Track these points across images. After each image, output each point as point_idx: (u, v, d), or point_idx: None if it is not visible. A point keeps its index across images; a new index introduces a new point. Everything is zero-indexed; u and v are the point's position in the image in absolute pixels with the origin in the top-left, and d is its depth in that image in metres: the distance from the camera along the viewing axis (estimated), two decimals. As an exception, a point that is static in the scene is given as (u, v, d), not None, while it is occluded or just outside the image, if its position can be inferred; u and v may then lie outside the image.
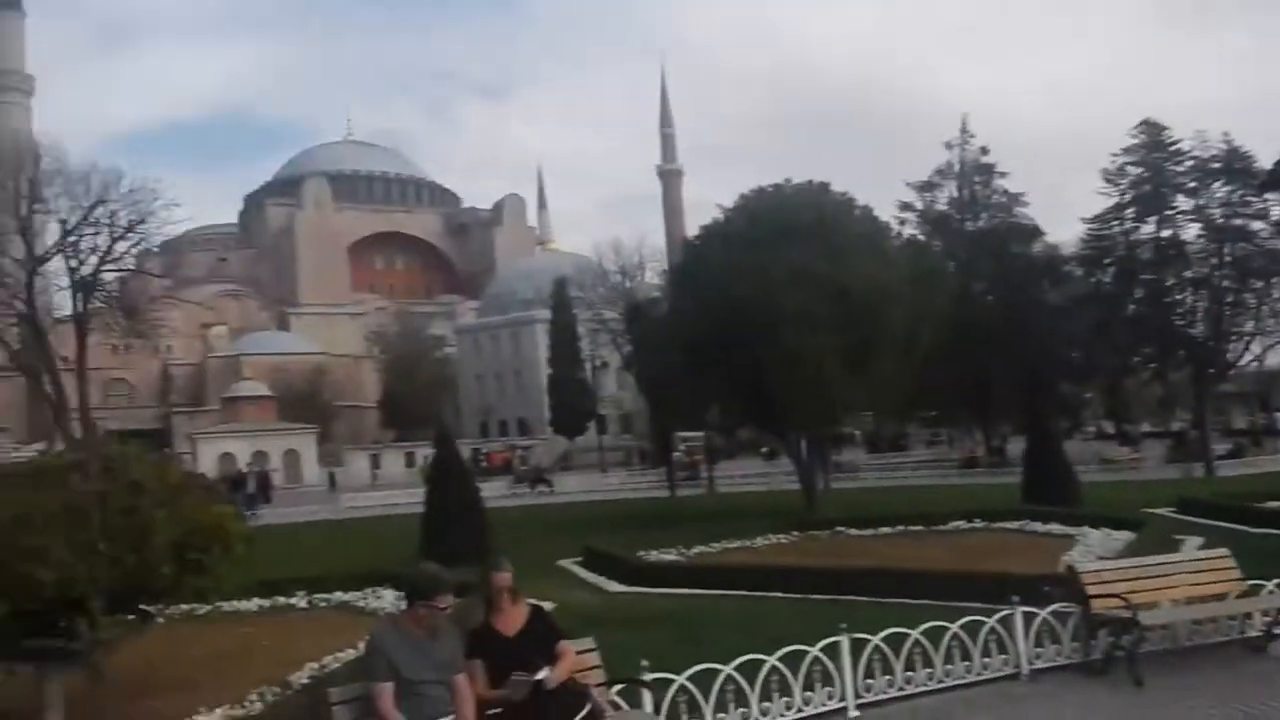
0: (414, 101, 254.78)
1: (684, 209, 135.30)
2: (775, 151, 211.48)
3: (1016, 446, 43.19)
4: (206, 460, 65.51)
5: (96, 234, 47.48)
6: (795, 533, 19.46)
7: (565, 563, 17.95)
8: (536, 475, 43.05)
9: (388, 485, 57.59)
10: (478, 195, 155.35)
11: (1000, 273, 42.43)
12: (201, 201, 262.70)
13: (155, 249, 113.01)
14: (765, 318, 22.28)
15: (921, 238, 42.64)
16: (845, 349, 22.56)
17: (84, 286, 46.94)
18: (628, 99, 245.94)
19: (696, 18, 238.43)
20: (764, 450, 51.99)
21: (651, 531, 21.32)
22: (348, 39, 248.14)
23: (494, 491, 40.21)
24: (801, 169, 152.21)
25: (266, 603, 14.20)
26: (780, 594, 12.94)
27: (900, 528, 19.34)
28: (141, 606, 8.87)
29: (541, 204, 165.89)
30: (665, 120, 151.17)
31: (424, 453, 69.74)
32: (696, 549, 18.02)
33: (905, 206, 45.69)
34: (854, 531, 19.26)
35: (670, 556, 17.25)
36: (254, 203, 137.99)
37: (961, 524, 19.26)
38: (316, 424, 78.07)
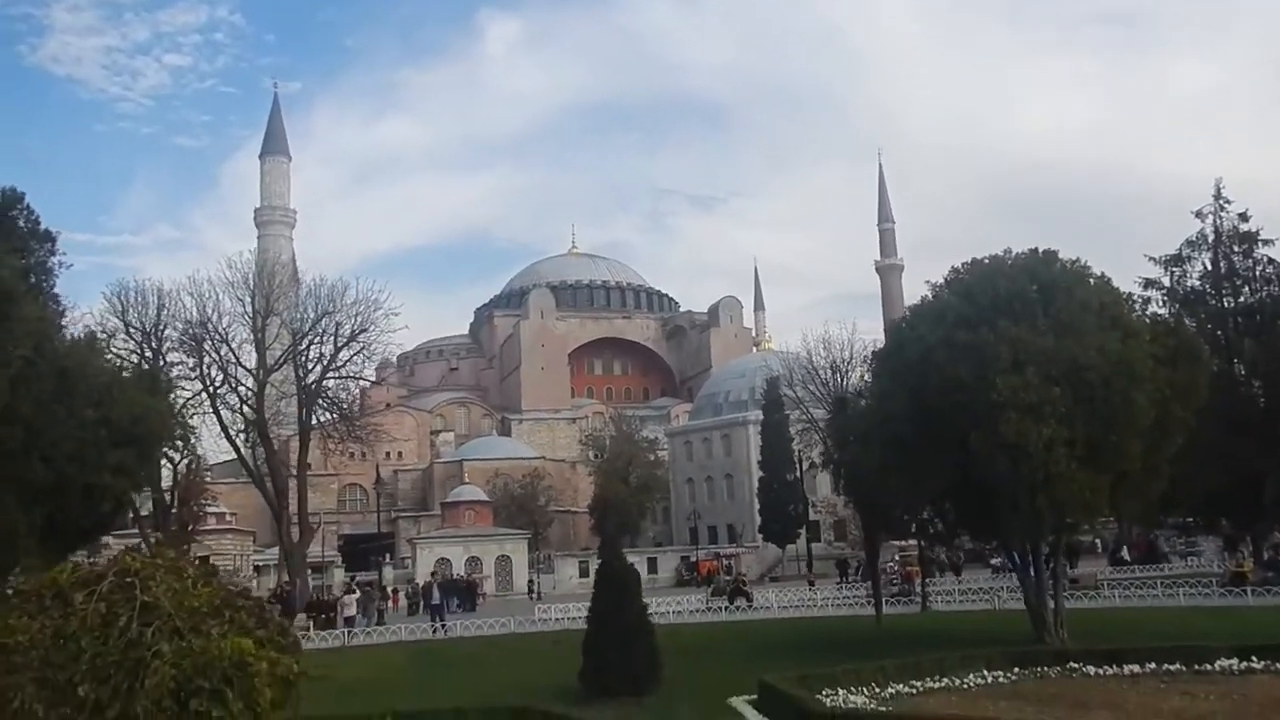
0: (634, 216, 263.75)
1: (904, 304, 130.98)
2: (999, 241, 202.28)
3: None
4: (424, 565, 66.71)
5: (322, 344, 50.15)
6: (1017, 670, 16.06)
7: (738, 701, 15.43)
8: (735, 588, 40.29)
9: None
10: (695, 299, 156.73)
11: (1269, 353, 36.58)
12: (440, 316, 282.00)
13: (392, 360, 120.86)
14: (981, 403, 19.34)
15: (1170, 318, 37.62)
16: (1079, 439, 19.25)
17: (308, 394, 49.39)
18: (845, 198, 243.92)
19: (911, 113, 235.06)
20: (994, 562, 46.87)
21: (846, 660, 18.45)
22: (574, 165, 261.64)
23: (689, 604, 38.01)
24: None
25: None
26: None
27: (1152, 665, 15.57)
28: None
29: (759, 305, 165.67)
30: (883, 215, 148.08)
31: (631, 559, 68.51)
32: (892, 689, 15.08)
33: (1150, 283, 40.68)
34: (1091, 670, 15.68)
35: (859, 699, 14.39)
36: (483, 314, 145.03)
37: (1234, 662, 15.30)
38: (532, 529, 78.54)
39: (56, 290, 23.83)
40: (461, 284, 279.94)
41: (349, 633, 33.67)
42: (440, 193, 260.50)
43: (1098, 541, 50.56)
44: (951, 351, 20.43)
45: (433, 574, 52.72)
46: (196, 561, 8.73)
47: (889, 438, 21.97)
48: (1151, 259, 41.26)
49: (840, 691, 14.77)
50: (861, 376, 45.39)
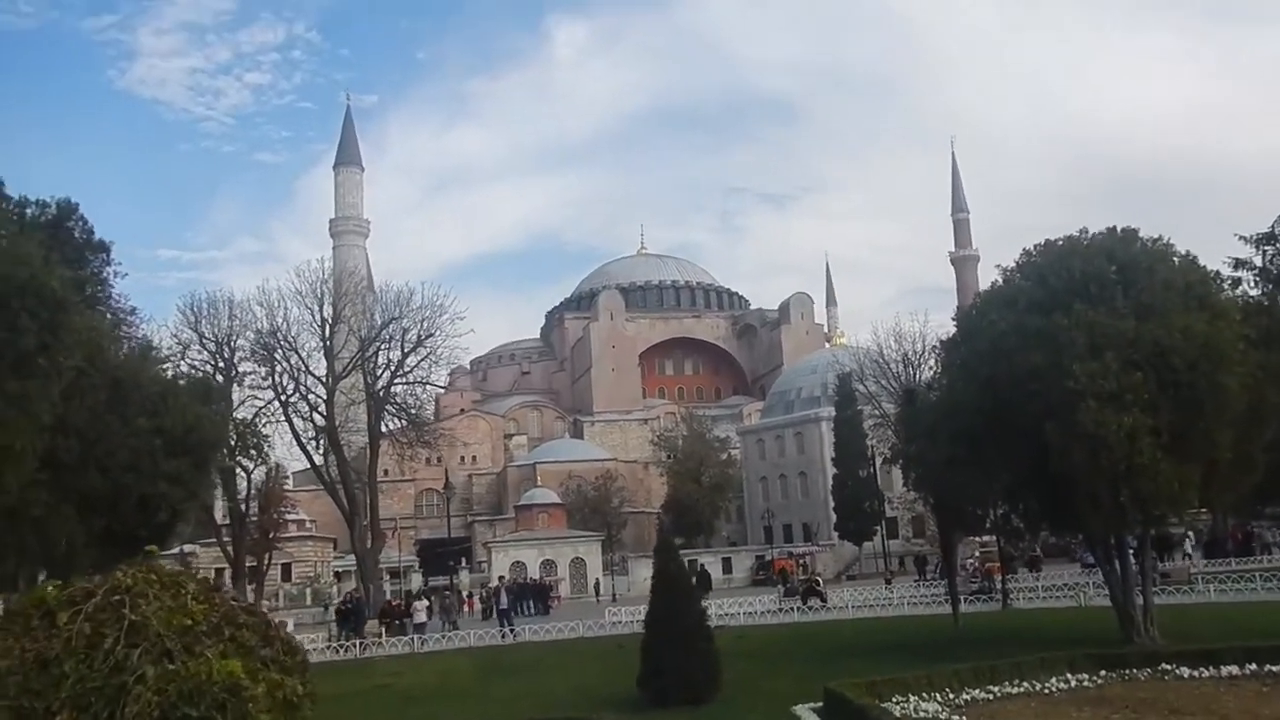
0: (705, 215, 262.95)
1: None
2: (1077, 227, 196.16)
3: None
4: (499, 568, 66.94)
5: (390, 350, 50.58)
6: (1103, 672, 15.00)
7: (802, 709, 14.62)
8: (809, 588, 39.32)
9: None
10: (766, 297, 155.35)
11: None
12: (514, 320, 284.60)
13: (465, 365, 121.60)
14: (1056, 392, 18.23)
15: (1264, 299, 35.50)
16: (1164, 427, 18.00)
17: (376, 401, 49.81)
18: (920, 190, 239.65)
19: (986, 100, 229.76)
20: (1082, 557, 45.04)
21: (921, 662, 17.61)
22: (644, 167, 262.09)
23: (760, 605, 37.19)
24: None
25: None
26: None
27: (1252, 666, 14.39)
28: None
29: (831, 301, 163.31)
30: (957, 205, 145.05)
31: (705, 559, 67.77)
32: (967, 694, 14.16)
33: (1240, 264, 38.56)
34: (1185, 672, 14.56)
35: (931, 706, 13.51)
36: (554, 317, 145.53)
37: (1346, 663, 14.06)
38: (605, 530, 78.33)
39: (131, 301, 24.13)
40: (534, 288, 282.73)
41: (419, 639, 33.61)
42: (513, 198, 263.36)
43: (1189, 535, 48.24)
44: (1024, 338, 19.35)
45: (500, 578, 52.60)
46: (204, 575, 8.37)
47: (958, 430, 20.95)
48: (1242, 238, 39.14)
49: (911, 698, 13.94)
50: (932, 369, 44.12)
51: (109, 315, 22.75)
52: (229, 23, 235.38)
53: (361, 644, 33.00)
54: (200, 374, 39.28)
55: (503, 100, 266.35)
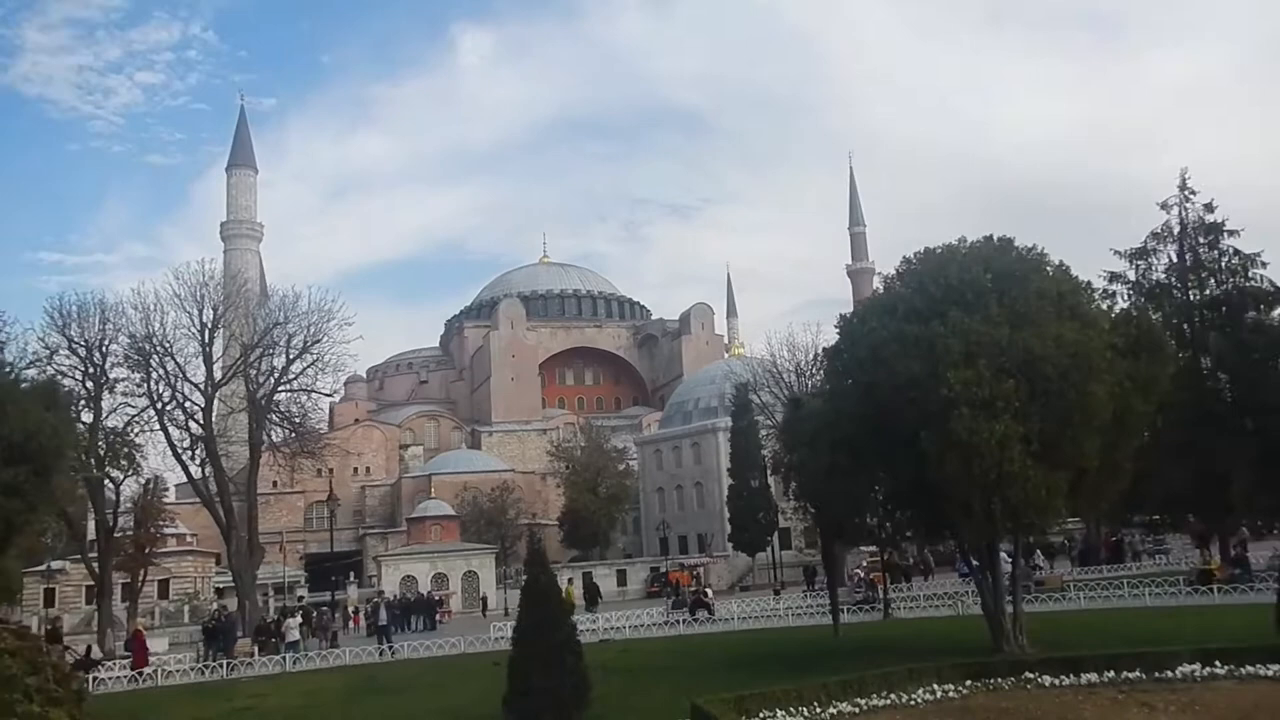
0: (609, 226, 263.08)
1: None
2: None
3: (1261, 554, 36.03)
4: (390, 582, 65.18)
5: (273, 356, 48.65)
6: (969, 683, 14.96)
7: (668, 729, 14.26)
8: (696, 599, 39.14)
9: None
10: (669, 307, 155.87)
11: (1234, 346, 35.85)
12: (413, 329, 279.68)
13: (361, 374, 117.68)
14: (933, 400, 18.25)
15: (1132, 310, 36.80)
16: (1034, 435, 18.18)
17: (258, 409, 47.81)
18: (823, 204, 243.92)
19: (886, 117, 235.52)
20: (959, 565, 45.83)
21: (796, 674, 17.41)
22: (549, 177, 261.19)
23: (649, 618, 36.83)
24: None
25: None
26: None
27: (1110, 674, 14.53)
28: None
29: (731, 312, 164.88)
30: (854, 219, 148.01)
31: (600, 571, 67.25)
32: (834, 708, 13.93)
33: (1115, 277, 39.97)
34: (1048, 680, 14.62)
35: (797, 721, 13.23)
36: (454, 326, 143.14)
37: (1196, 668, 14.31)
38: (500, 543, 76.99)
39: None
40: (435, 297, 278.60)
41: (292, 658, 32.19)
42: (415, 206, 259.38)
43: (1067, 543, 49.61)
44: (903, 345, 19.35)
45: (380, 593, 51.06)
46: None
47: (839, 438, 20.90)
48: (1116, 253, 40.53)
49: (779, 713, 13.67)
50: (815, 375, 44.59)
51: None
52: (120, 20, 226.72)
53: (229, 664, 31.43)
54: (59, 377, 36.95)
55: (406, 107, 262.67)
